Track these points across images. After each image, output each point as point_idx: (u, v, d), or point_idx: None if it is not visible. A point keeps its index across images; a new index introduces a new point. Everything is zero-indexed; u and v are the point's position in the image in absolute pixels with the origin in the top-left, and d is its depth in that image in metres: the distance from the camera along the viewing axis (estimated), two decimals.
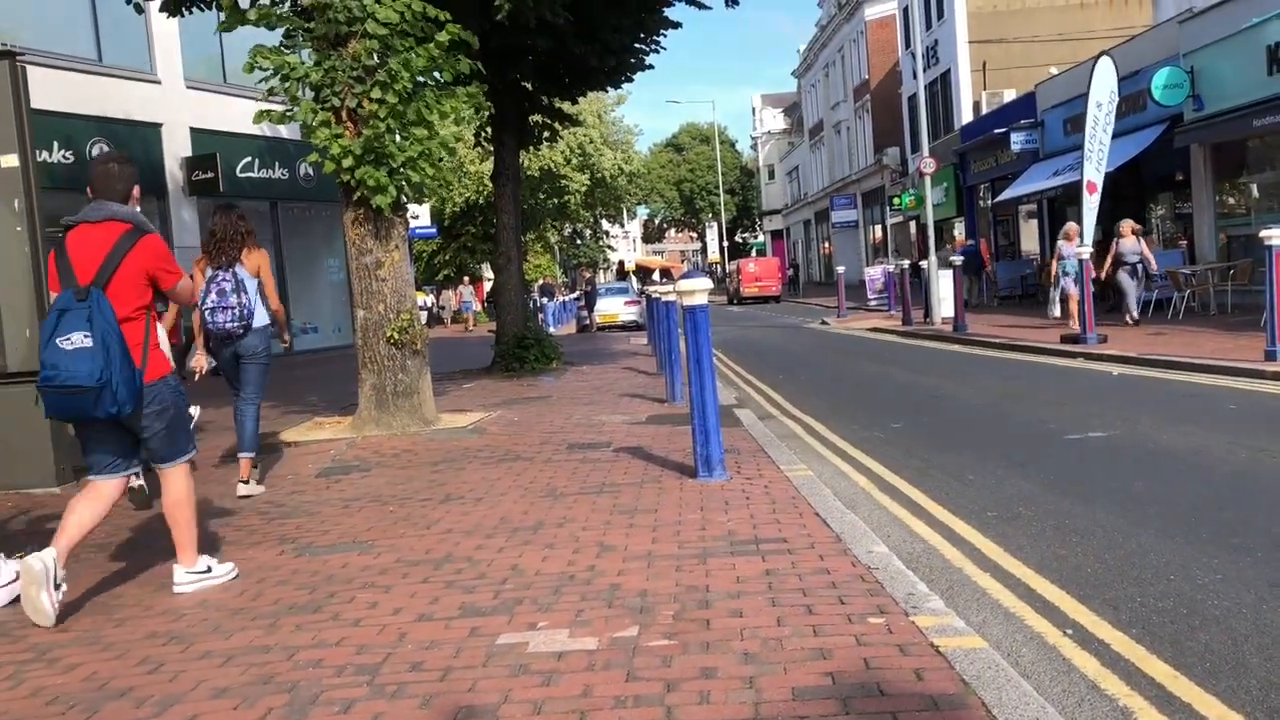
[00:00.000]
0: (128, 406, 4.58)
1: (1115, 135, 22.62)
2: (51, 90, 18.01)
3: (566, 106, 18.24)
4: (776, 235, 78.66)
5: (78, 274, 4.63)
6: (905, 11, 38.42)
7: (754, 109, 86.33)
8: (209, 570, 5.05)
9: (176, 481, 4.96)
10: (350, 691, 3.55)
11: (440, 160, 9.78)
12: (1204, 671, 3.70)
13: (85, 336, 4.48)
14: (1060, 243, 17.18)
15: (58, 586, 4.51)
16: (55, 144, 18.12)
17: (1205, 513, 5.78)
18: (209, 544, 5.68)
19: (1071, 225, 17.17)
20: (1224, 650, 3.87)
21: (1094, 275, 15.89)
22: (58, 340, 4.51)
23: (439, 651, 3.88)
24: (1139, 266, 17.07)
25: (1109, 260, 16.90)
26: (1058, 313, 17.54)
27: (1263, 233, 11.13)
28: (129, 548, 5.93)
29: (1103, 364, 13.26)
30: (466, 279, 43.67)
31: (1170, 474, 6.85)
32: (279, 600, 4.68)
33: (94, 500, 4.77)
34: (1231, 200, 20.53)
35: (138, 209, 4.90)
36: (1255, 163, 19.57)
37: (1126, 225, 17.23)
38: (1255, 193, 19.79)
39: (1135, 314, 17.12)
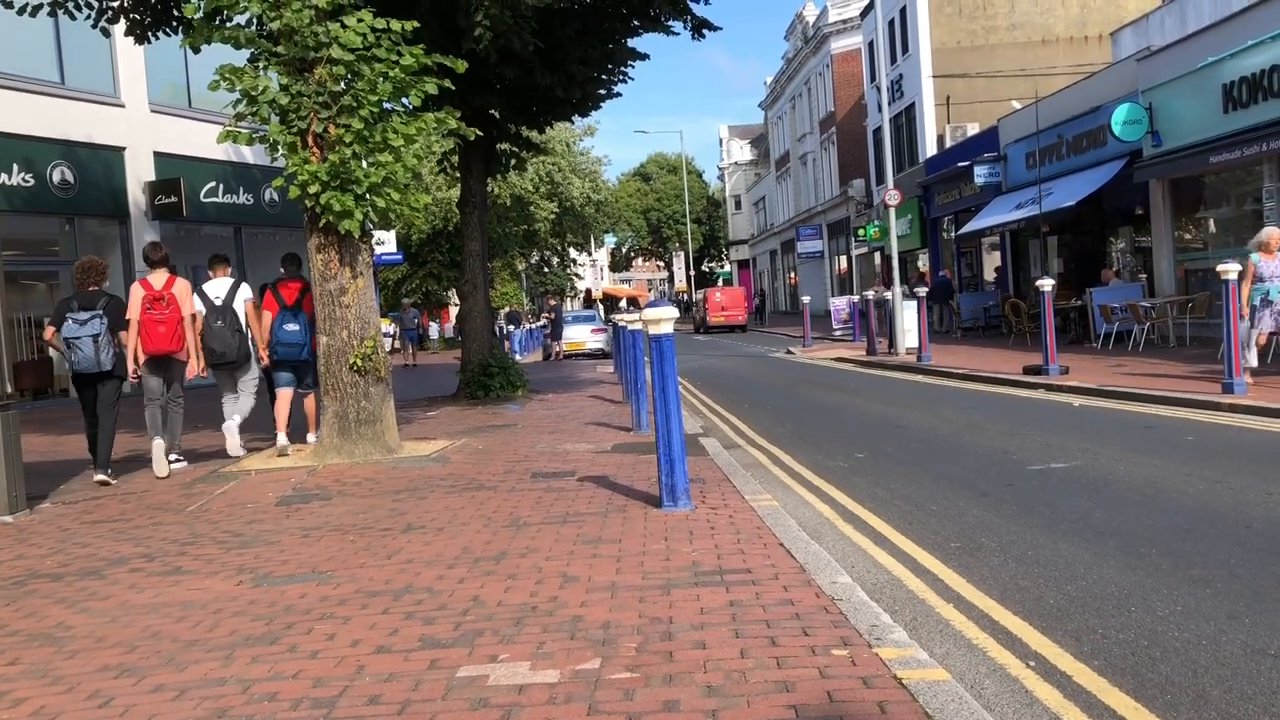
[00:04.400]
0: (308, 357, 10.18)
1: (1076, 170, 23.12)
2: (12, 112, 17.87)
3: (534, 135, 18.27)
4: (743, 265, 79.13)
5: (286, 301, 10.16)
6: (870, 46, 38.93)
7: (721, 140, 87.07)
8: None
9: (311, 398, 10.59)
10: None
11: (405, 186, 9.76)
12: (1165, 704, 3.71)
13: (295, 326, 10.10)
14: (1256, 258, 12.14)
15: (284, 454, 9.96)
16: (15, 166, 17.95)
17: (1165, 544, 5.82)
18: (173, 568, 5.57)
19: (1272, 231, 12.42)
20: (1184, 682, 3.89)
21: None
22: (285, 328, 10.08)
23: (398, 684, 3.81)
24: None
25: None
26: (1254, 361, 12.20)
27: (1219, 267, 11.33)
28: (80, 575, 5.81)
29: (1064, 395, 13.39)
30: (406, 302, 37.15)
31: (1130, 505, 6.90)
32: (235, 631, 4.59)
33: (284, 400, 10.23)
34: (1189, 235, 20.89)
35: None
36: (1212, 198, 19.94)
37: None
38: (1212, 227, 20.15)
39: None
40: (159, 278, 9.58)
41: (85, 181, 19.39)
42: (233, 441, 10.15)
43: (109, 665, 4.23)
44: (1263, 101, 16.66)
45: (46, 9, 12.54)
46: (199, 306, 9.79)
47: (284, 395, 10.31)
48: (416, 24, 9.63)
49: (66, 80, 19.33)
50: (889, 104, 29.07)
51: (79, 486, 9.23)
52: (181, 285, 9.64)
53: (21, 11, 12.37)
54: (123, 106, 20.46)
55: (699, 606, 4.56)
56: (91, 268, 9.35)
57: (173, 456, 9.69)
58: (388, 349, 11.34)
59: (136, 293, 9.40)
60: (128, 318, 9.25)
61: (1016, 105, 28.63)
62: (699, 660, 3.88)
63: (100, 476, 9.04)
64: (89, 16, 12.97)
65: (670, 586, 4.90)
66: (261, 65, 9.66)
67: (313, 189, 9.26)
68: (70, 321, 8.88)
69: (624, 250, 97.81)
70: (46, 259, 20.22)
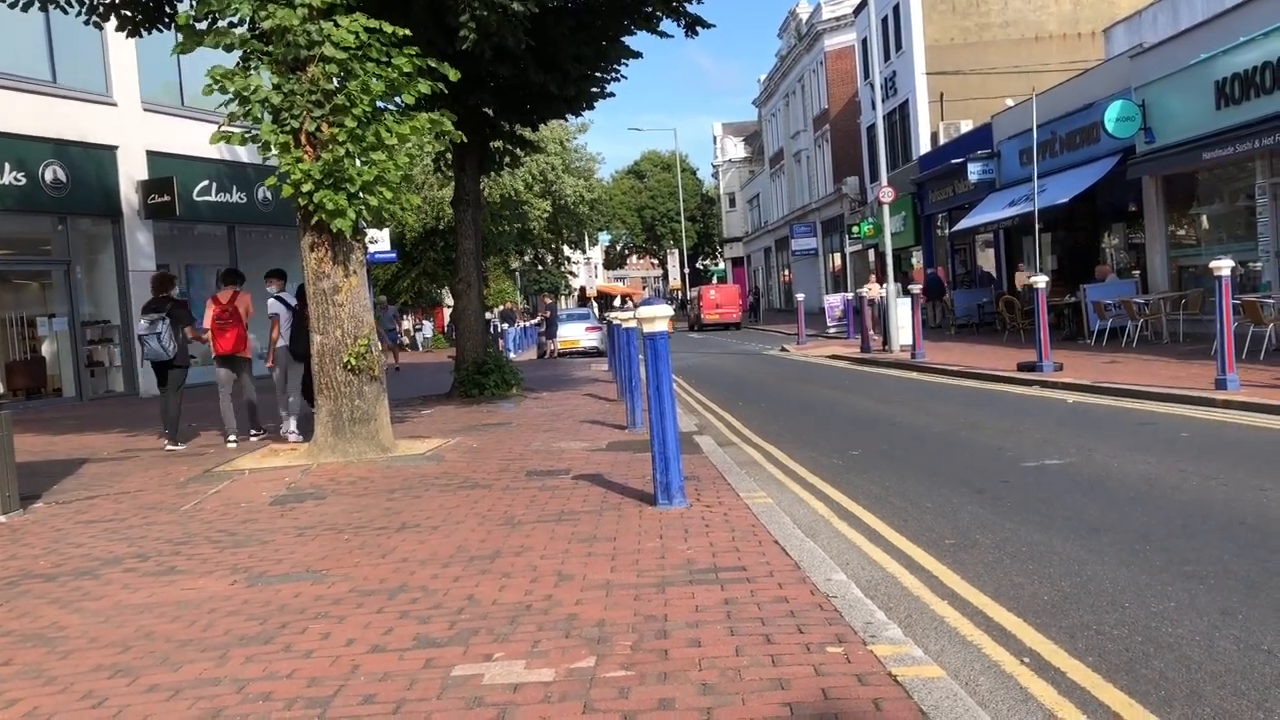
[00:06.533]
0: None
1: (1070, 167, 23.15)
2: (3, 111, 17.81)
3: (528, 133, 18.24)
4: (737, 262, 79.14)
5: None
6: (864, 43, 38.94)
7: (715, 137, 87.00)
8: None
9: None
10: None
11: (397, 185, 9.73)
12: (1158, 699, 3.71)
13: None
14: None
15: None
16: (7, 165, 17.88)
17: (1159, 540, 5.84)
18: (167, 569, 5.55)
19: None
20: (1178, 678, 3.89)
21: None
22: None
23: (392, 683, 3.81)
24: None
25: None
26: None
27: (1212, 264, 11.35)
28: (74, 575, 5.79)
29: (1058, 392, 13.40)
30: (383, 299, 35.02)
31: (1124, 501, 6.91)
32: (229, 631, 4.58)
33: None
34: (1182, 231, 20.91)
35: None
36: (1205, 195, 19.97)
37: None
38: (1205, 224, 20.17)
39: None
40: (226, 294, 11.72)
41: (78, 180, 19.32)
42: (286, 426, 11.88)
43: (103, 665, 4.22)
44: (1255, 98, 16.68)
45: (37, 4, 12.48)
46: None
47: None
48: (408, 31, 9.62)
49: (58, 79, 19.25)
50: (882, 101, 29.04)
51: (72, 486, 9.21)
52: (242, 299, 11.75)
53: (13, 6, 12.31)
54: (115, 105, 20.39)
55: (694, 604, 4.56)
56: (158, 280, 12.05)
57: (231, 438, 11.57)
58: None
59: (210, 307, 11.68)
60: (205, 327, 11.64)
61: (1010, 102, 28.64)
62: (694, 658, 3.88)
63: (170, 446, 11.38)
64: (79, 12, 12.91)
65: (665, 584, 4.90)
66: (253, 65, 9.63)
67: (306, 187, 9.25)
68: (142, 322, 11.45)
69: (618, 248, 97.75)
70: (39, 258, 20.15)
